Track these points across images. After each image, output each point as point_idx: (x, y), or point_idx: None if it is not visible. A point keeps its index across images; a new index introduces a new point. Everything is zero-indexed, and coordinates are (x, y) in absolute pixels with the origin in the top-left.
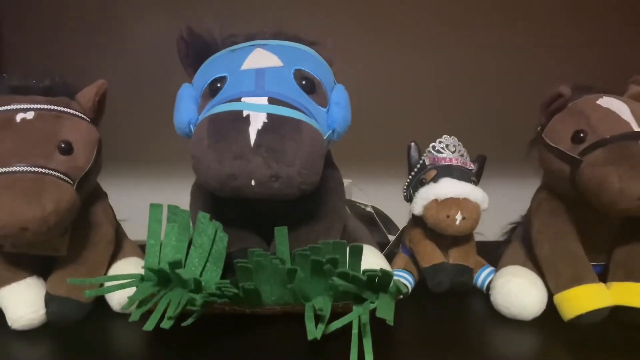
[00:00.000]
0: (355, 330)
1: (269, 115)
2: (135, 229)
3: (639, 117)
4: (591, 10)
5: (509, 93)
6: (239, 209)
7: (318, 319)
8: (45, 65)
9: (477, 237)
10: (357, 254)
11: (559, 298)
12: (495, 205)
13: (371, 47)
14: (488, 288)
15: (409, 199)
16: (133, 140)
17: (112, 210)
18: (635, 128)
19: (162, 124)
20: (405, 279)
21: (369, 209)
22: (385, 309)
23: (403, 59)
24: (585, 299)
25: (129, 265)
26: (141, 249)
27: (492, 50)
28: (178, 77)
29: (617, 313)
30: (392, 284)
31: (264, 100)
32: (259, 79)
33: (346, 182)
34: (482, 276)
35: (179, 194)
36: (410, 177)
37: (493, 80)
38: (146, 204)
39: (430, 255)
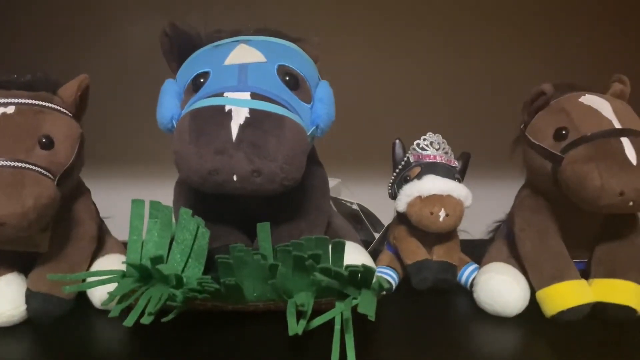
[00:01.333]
0: (337, 327)
1: (252, 110)
2: (119, 227)
3: (620, 114)
4: (574, 9)
5: (494, 91)
6: (222, 205)
7: (300, 315)
8: (30, 62)
9: (463, 235)
10: (339, 249)
11: (541, 294)
12: (481, 203)
13: (358, 46)
14: (472, 285)
15: (394, 196)
16: (117, 137)
17: (95, 207)
18: (617, 125)
19: (146, 121)
20: (389, 275)
21: (354, 206)
22: (367, 305)
23: (389, 58)
24: (567, 295)
25: (112, 262)
26: (124, 247)
27: (477, 49)
28: (163, 74)
29: (599, 309)
30: (374, 280)
31: (246, 96)
32: (242, 74)
33: (335, 181)
34: (466, 273)
35: (163, 192)
36: (394, 174)
37: (478, 79)
38: (129, 200)
39: (414, 252)
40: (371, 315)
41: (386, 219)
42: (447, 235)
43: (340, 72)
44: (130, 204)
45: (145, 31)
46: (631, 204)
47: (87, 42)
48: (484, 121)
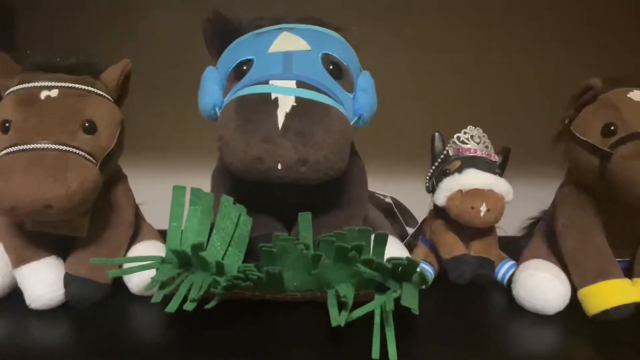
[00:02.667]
0: (377, 319)
1: (298, 99)
2: (152, 214)
3: None
4: (609, 5)
5: (531, 87)
6: (260, 194)
7: (341, 306)
8: (70, 44)
9: (498, 232)
10: (381, 242)
11: (583, 293)
12: (516, 200)
13: (395, 38)
14: (509, 282)
15: (432, 189)
16: (151, 125)
17: (132, 193)
18: None
19: (182, 109)
20: (425, 270)
21: (388, 199)
22: (410, 298)
23: (427, 49)
24: (610, 294)
25: (148, 248)
26: (159, 234)
27: (518, 43)
28: (199, 63)
29: None
30: (416, 273)
31: (292, 84)
32: (286, 62)
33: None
34: (503, 270)
35: (195, 183)
36: (433, 167)
37: (516, 74)
38: (163, 189)
39: (452, 246)
40: (415, 308)
41: (418, 213)
42: (486, 230)
43: (377, 63)
44: (161, 191)
45: (186, 18)
46: None
47: (121, 30)
48: (519, 117)
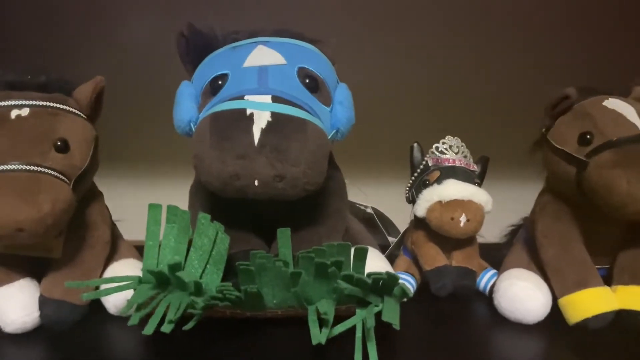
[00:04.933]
0: (359, 334)
1: (274, 114)
2: (130, 230)
3: None
4: (593, 12)
5: (511, 95)
6: (239, 209)
7: (322, 323)
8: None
9: (478, 239)
10: (361, 256)
11: (564, 302)
12: (495, 207)
13: (373, 48)
14: (491, 291)
15: (412, 200)
16: (128, 139)
17: (108, 211)
18: None
19: (159, 123)
20: (407, 281)
21: (369, 210)
22: (391, 313)
23: (405, 60)
24: (590, 302)
25: (125, 267)
26: (137, 250)
27: (495, 52)
28: (176, 75)
29: (622, 317)
30: (397, 287)
31: (267, 99)
32: (262, 76)
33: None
34: (485, 279)
35: (175, 195)
36: (412, 178)
37: (495, 82)
38: (141, 204)
39: (434, 257)
40: (396, 324)
41: (400, 221)
42: (466, 240)
43: (355, 73)
44: (139, 206)
45: (159, 29)
46: None
47: (98, 42)
48: (500, 125)
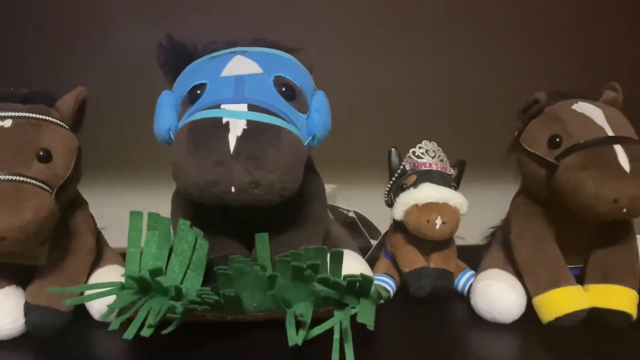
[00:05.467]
0: (336, 336)
1: (249, 122)
2: (116, 237)
3: (613, 122)
4: (568, 18)
5: (488, 99)
6: (220, 215)
7: (299, 325)
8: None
9: (458, 242)
10: (338, 259)
11: (537, 301)
12: (476, 209)
13: (353, 54)
14: (469, 292)
15: (390, 204)
16: (113, 147)
17: (93, 219)
18: (609, 133)
19: (143, 131)
20: (387, 283)
21: (351, 214)
22: (366, 314)
23: (383, 65)
24: (563, 301)
25: (110, 274)
26: (122, 257)
27: (472, 56)
28: (159, 84)
29: (594, 315)
30: (372, 289)
31: (243, 107)
32: (238, 85)
33: (330, 187)
34: (463, 280)
35: (159, 202)
36: (391, 182)
37: (472, 87)
38: (127, 211)
39: (412, 260)
40: (370, 325)
41: (382, 225)
42: (444, 242)
43: (336, 78)
44: (125, 213)
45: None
46: (625, 210)
47: (83, 51)
48: (479, 128)
